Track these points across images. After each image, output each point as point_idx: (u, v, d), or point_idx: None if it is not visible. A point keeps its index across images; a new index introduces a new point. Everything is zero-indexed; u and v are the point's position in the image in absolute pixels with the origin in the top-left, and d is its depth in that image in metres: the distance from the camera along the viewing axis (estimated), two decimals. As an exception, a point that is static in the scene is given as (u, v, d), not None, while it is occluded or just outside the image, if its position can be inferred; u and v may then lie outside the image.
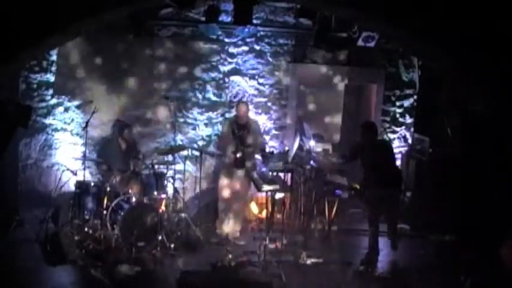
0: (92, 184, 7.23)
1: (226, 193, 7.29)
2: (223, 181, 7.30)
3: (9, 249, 6.56)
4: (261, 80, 8.86)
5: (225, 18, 8.16)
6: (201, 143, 8.79)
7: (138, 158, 7.62)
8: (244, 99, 8.76)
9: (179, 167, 8.04)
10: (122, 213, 6.64)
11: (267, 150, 7.35)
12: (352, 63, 8.94)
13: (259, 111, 8.88)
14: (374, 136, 6.87)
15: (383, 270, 6.55)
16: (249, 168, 7.16)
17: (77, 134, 8.60)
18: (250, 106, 8.77)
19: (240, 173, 7.18)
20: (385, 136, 9.08)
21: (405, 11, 4.79)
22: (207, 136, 8.78)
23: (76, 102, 8.61)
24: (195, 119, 8.80)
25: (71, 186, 7.30)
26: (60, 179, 7.43)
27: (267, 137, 8.91)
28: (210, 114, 8.82)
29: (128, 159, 7.52)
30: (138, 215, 6.66)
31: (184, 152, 8.09)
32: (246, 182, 7.26)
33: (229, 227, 7.29)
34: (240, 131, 7.12)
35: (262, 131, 7.95)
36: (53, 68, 8.53)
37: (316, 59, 8.91)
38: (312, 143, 7.45)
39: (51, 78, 8.55)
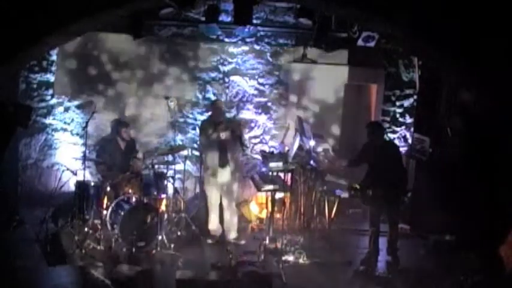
0: (92, 184, 7.22)
1: (212, 194, 7.21)
2: (208, 182, 7.23)
3: (9, 249, 6.56)
4: (261, 80, 8.85)
5: (225, 18, 8.15)
6: (200, 143, 8.79)
7: (137, 158, 7.62)
8: (244, 99, 8.76)
9: (179, 167, 8.03)
10: (122, 213, 6.64)
11: (267, 150, 7.31)
12: (352, 63, 8.92)
13: (259, 111, 8.88)
14: (380, 136, 6.85)
15: (383, 270, 6.55)
16: (233, 165, 7.12)
17: (77, 134, 8.61)
18: (250, 106, 8.82)
19: (224, 171, 7.12)
20: (385, 136, 9.05)
21: (405, 11, 4.79)
22: (207, 136, 8.76)
23: (76, 102, 8.62)
24: (195, 119, 8.79)
25: (71, 186, 7.29)
26: (60, 179, 7.42)
27: (267, 137, 8.92)
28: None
29: (127, 159, 7.51)
30: (138, 215, 6.66)
31: (184, 152, 8.09)
32: (233, 179, 7.19)
33: (226, 225, 7.25)
34: (216, 129, 7.06)
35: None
36: (53, 68, 8.54)
37: (316, 59, 8.90)
38: (312, 143, 7.44)
39: (51, 78, 8.56)
